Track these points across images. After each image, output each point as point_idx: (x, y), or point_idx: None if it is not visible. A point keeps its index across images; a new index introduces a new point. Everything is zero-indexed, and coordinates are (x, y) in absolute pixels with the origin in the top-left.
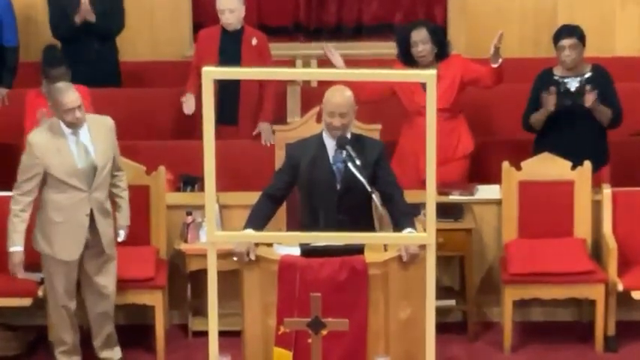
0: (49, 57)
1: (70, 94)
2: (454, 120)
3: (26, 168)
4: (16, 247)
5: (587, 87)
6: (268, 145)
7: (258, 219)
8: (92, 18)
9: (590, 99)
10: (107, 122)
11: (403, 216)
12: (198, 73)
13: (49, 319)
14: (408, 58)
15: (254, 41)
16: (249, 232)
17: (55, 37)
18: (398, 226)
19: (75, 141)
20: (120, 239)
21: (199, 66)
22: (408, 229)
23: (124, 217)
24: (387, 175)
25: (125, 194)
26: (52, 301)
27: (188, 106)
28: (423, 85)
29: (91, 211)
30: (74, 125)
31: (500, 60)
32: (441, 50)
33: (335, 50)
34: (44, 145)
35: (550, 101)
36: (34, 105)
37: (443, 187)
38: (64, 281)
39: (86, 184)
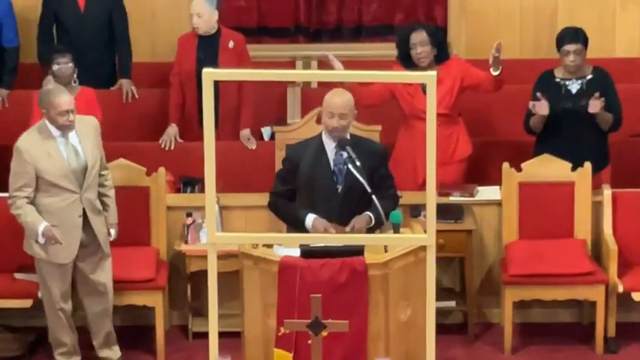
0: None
1: (65, 96)
2: (452, 124)
3: (18, 175)
4: (41, 225)
5: (596, 94)
6: (252, 149)
7: (295, 207)
8: None
9: (597, 105)
10: (92, 122)
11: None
12: (180, 81)
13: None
14: (407, 61)
15: (231, 44)
16: (250, 234)
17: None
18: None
19: (64, 143)
20: (111, 238)
21: (179, 72)
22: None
23: (112, 215)
24: (385, 182)
25: (112, 192)
26: (48, 304)
27: (167, 142)
28: (423, 89)
29: (84, 211)
30: (66, 128)
31: (500, 68)
32: (441, 53)
33: (334, 57)
34: (33, 149)
35: (542, 108)
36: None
37: (442, 189)
38: (59, 284)
39: (77, 186)
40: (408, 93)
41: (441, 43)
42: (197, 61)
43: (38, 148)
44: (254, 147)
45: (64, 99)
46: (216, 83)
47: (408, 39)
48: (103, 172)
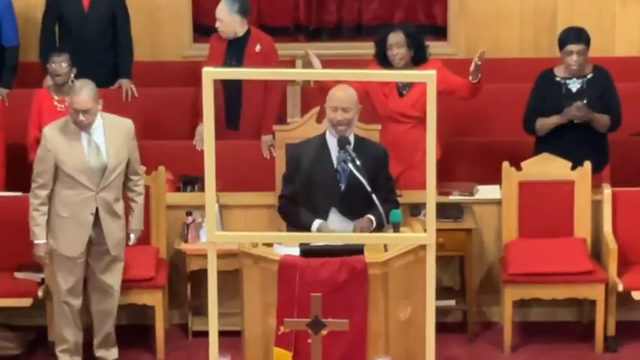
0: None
1: (81, 96)
2: (424, 127)
3: (40, 160)
4: (40, 240)
5: (578, 102)
6: (268, 158)
7: (303, 213)
8: None
9: (580, 114)
10: (126, 125)
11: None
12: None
13: (53, 315)
14: (384, 60)
15: (257, 47)
16: (250, 233)
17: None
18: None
19: (87, 139)
20: (131, 243)
21: None
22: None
23: (136, 221)
24: (386, 186)
25: (140, 199)
26: (55, 296)
27: (199, 141)
28: (398, 90)
29: (97, 210)
30: (77, 125)
31: (479, 76)
32: (418, 54)
33: (312, 53)
34: (57, 138)
35: (572, 113)
36: (38, 103)
37: (441, 188)
38: (67, 277)
39: (94, 184)
40: (383, 93)
41: (419, 45)
42: (224, 64)
43: (61, 139)
44: (272, 156)
45: (79, 98)
46: (239, 85)
47: (386, 39)
48: (133, 177)
